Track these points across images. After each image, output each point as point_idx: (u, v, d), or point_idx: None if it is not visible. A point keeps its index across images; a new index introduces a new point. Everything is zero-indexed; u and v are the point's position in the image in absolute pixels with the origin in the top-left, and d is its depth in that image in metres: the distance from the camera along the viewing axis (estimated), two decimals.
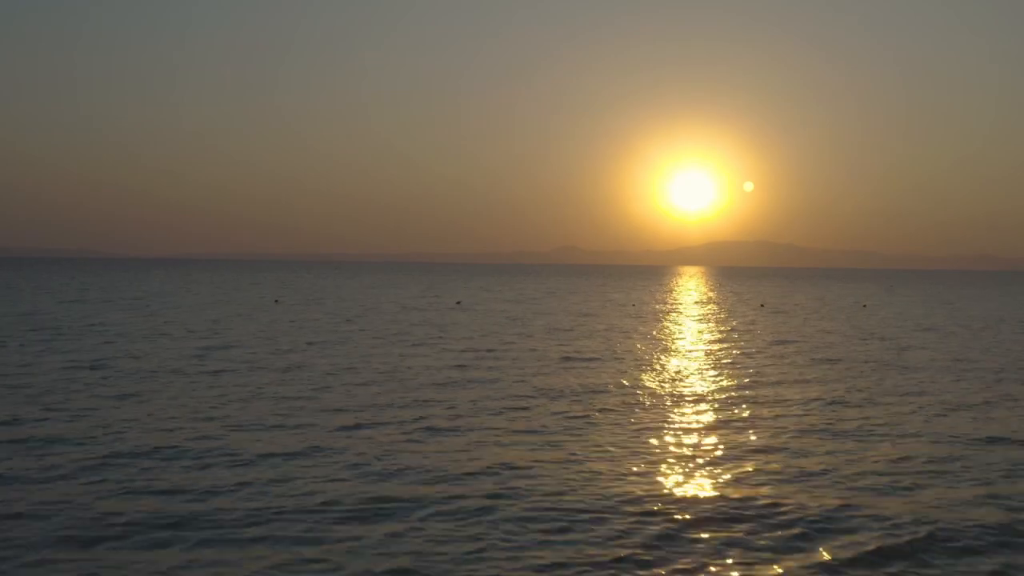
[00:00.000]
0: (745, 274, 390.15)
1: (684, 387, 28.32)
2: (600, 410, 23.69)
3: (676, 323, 58.33)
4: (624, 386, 28.32)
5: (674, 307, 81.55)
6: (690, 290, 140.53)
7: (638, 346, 41.30)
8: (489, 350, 38.43)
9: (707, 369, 33.19)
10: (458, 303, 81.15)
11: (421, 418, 22.11)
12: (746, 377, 30.86)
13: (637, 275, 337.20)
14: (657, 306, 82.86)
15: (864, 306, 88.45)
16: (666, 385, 28.64)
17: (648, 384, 28.87)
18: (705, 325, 56.99)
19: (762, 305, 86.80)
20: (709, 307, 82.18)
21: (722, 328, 54.20)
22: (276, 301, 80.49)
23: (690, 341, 44.69)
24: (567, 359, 35.42)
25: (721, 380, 30.01)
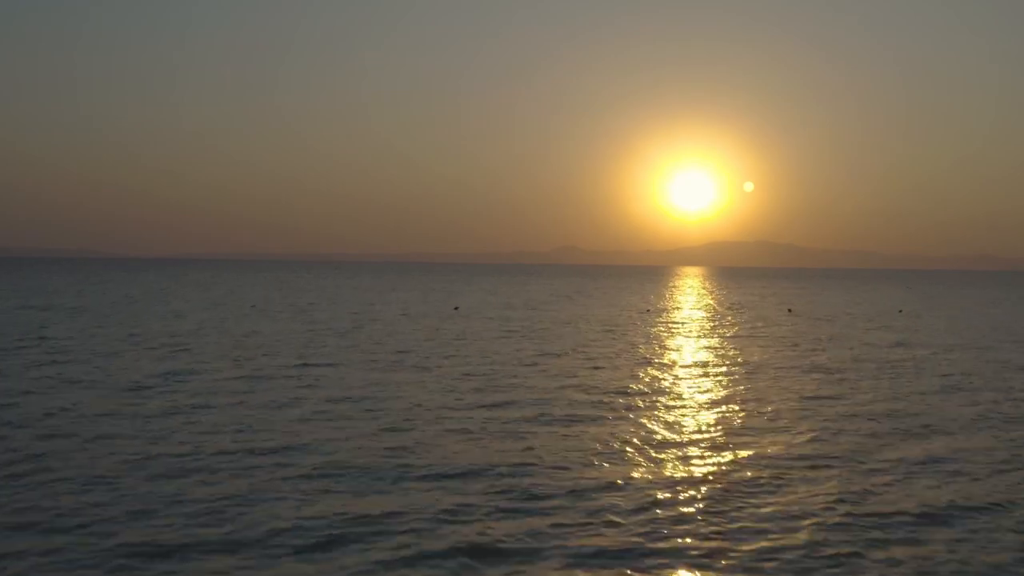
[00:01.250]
0: (748, 275, 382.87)
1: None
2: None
3: (721, 337, 51.06)
4: (754, 465, 17.97)
5: (701, 314, 74.35)
6: (703, 292, 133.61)
7: (707, 381, 32.08)
8: (507, 383, 31.27)
9: (869, 425, 21.98)
10: (456, 309, 74.07)
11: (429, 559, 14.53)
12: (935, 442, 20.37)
13: (640, 275, 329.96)
14: (682, 312, 75.72)
15: (900, 311, 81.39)
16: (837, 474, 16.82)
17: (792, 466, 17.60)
18: (758, 341, 49.82)
19: (790, 310, 79.75)
20: (738, 313, 74.96)
21: (783, 343, 47.10)
22: (253, 306, 73.47)
23: (769, 370, 34.13)
24: (628, 405, 25.25)
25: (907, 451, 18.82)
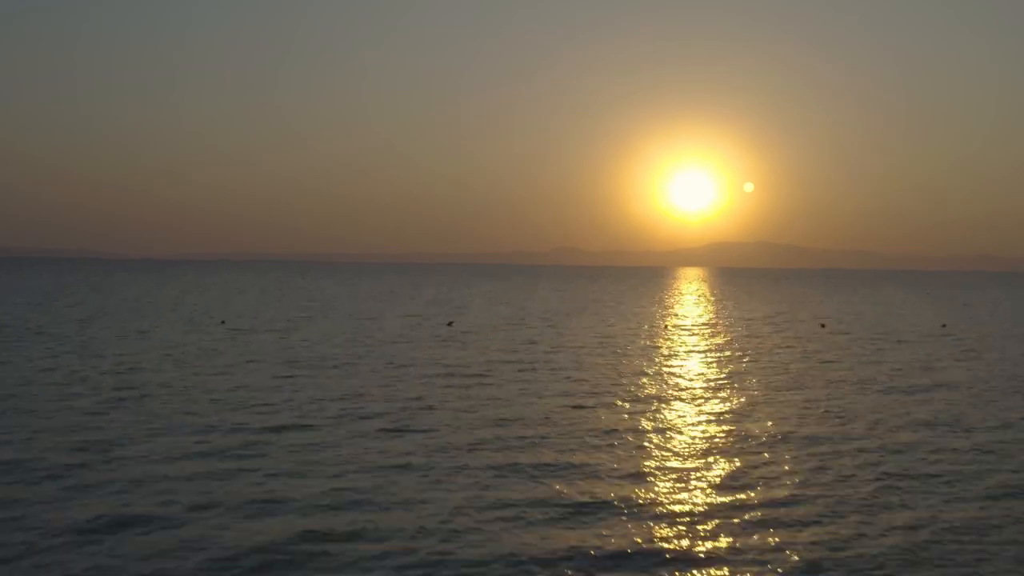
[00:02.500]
0: (751, 277, 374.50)
1: None
2: None
3: (794, 377, 43.50)
4: None
5: (735, 331, 66.59)
6: (717, 301, 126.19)
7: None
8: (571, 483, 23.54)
9: None
10: (450, 324, 66.48)
11: None
12: None
13: (644, 278, 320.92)
14: (716, 333, 67.90)
15: (944, 325, 73.79)
16: None
17: None
18: (841, 378, 42.24)
19: (823, 325, 72.04)
20: (777, 331, 67.25)
21: (886, 387, 39.53)
22: (222, 322, 65.75)
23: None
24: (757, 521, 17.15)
25: None
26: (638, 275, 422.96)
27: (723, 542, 15.28)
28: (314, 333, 57.35)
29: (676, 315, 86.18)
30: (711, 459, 21.95)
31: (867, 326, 72.61)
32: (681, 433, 25.35)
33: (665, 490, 18.86)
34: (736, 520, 16.71)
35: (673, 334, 62.44)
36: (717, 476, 20.20)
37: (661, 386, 35.08)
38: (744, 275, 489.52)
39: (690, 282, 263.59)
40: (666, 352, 49.24)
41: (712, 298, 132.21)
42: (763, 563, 14.21)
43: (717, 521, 16.66)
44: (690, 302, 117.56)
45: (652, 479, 19.84)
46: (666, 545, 15.10)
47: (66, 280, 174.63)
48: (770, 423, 27.09)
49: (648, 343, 54.75)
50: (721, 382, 36.75)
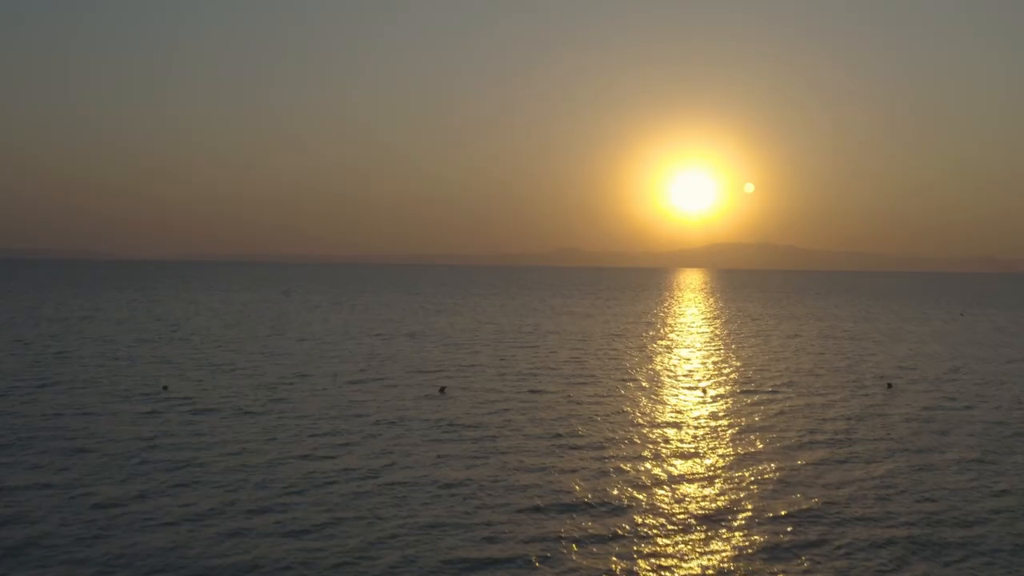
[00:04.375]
0: (751, 279, 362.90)
1: None
2: None
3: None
4: None
5: (821, 412, 54.14)
6: (754, 341, 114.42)
7: None
8: None
9: None
10: (442, 390, 54.19)
11: None
12: None
13: (647, 281, 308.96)
14: (789, 393, 55.37)
15: None
16: None
17: None
18: None
19: (889, 385, 60.01)
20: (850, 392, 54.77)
21: None
22: (165, 387, 53.60)
23: None
24: None
25: None
26: (642, 278, 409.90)
27: None
28: (274, 418, 44.99)
29: (714, 376, 74.02)
30: None
31: (936, 380, 60.21)
32: None
33: None
34: None
35: (727, 410, 49.87)
36: None
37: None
38: (746, 277, 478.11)
39: (701, 292, 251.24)
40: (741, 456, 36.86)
41: (742, 333, 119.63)
42: None
43: None
44: (719, 343, 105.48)
45: None
46: None
47: (48, 288, 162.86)
48: None
49: (707, 431, 42.41)
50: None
